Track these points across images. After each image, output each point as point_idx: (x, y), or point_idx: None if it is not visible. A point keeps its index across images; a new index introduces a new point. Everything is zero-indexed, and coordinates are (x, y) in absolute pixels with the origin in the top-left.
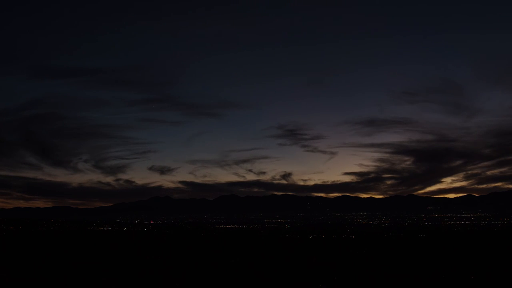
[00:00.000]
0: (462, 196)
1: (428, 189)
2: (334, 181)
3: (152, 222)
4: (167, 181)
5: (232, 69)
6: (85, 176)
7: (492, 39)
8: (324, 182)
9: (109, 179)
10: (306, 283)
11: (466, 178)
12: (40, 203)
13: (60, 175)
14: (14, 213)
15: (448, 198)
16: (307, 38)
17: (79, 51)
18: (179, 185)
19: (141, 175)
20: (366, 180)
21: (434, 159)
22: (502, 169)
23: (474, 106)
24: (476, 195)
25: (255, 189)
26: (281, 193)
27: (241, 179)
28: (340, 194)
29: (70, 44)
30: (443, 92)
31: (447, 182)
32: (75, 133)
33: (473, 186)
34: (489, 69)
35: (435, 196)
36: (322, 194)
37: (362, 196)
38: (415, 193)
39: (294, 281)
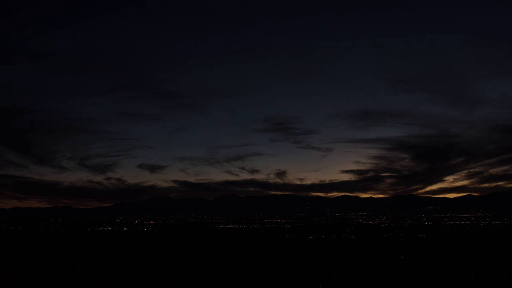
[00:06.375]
0: (462, 196)
1: (429, 188)
2: (332, 180)
3: (152, 222)
4: (159, 180)
5: (210, 54)
6: (74, 175)
7: (495, 21)
8: (321, 181)
9: (99, 178)
10: (306, 283)
11: (468, 177)
12: (34, 203)
13: (47, 174)
14: (14, 213)
15: (448, 198)
16: (292, 22)
17: (34, 33)
18: (173, 184)
19: (131, 173)
20: (364, 179)
21: (434, 156)
22: (505, 168)
23: (476, 97)
24: (477, 194)
25: (251, 189)
26: (280, 193)
27: (235, 178)
28: (340, 194)
29: (24, 25)
30: (441, 80)
31: (449, 181)
32: (50, 128)
33: (474, 186)
34: (493, 54)
35: (435, 196)
36: (321, 194)
37: (361, 196)
38: (415, 193)
39: (294, 281)
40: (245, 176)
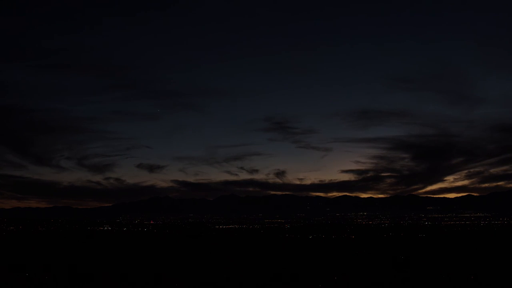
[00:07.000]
0: (462, 196)
1: (429, 188)
2: (331, 179)
3: (152, 222)
4: (159, 180)
5: (210, 54)
6: (73, 174)
7: (495, 20)
8: (321, 181)
9: (98, 178)
10: (306, 283)
11: (468, 177)
12: (33, 203)
13: (46, 174)
14: (14, 213)
15: (448, 198)
16: (291, 23)
17: (34, 33)
18: (172, 184)
19: (130, 173)
20: (364, 179)
21: (434, 156)
22: (505, 167)
23: (476, 96)
24: (477, 194)
25: (251, 189)
26: (280, 193)
27: (235, 178)
28: (340, 194)
29: (23, 25)
30: (441, 80)
31: (449, 181)
32: (46, 127)
33: (474, 186)
34: (493, 53)
35: (435, 196)
36: (321, 194)
37: (361, 196)
38: (415, 193)
39: (294, 281)
40: (244, 176)
